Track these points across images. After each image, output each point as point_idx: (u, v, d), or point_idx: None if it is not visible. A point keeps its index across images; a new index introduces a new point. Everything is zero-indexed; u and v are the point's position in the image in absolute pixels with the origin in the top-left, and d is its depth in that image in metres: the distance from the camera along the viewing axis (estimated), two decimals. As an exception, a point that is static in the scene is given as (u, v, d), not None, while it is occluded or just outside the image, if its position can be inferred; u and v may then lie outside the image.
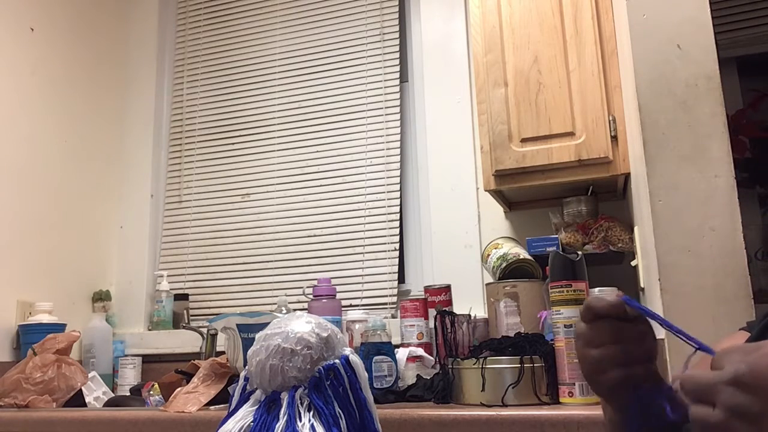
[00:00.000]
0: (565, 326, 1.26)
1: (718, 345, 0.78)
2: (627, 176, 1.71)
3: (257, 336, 1.02)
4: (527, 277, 1.72)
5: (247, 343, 1.40)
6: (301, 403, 0.94)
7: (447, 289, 1.80)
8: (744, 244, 1.17)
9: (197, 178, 2.52)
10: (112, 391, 2.05)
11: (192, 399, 1.44)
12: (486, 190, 1.85)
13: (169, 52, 2.67)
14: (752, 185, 2.48)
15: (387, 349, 1.52)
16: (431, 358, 1.63)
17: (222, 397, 1.45)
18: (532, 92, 1.75)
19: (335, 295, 1.91)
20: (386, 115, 2.30)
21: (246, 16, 2.57)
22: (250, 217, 2.41)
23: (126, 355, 2.22)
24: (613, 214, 1.82)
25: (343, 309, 1.90)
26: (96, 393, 1.89)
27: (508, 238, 1.93)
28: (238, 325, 1.53)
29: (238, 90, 2.52)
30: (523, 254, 1.77)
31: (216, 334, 2.01)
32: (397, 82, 2.32)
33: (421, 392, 1.45)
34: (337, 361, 0.99)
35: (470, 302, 1.88)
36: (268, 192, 2.40)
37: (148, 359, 2.25)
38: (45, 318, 2.05)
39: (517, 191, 1.88)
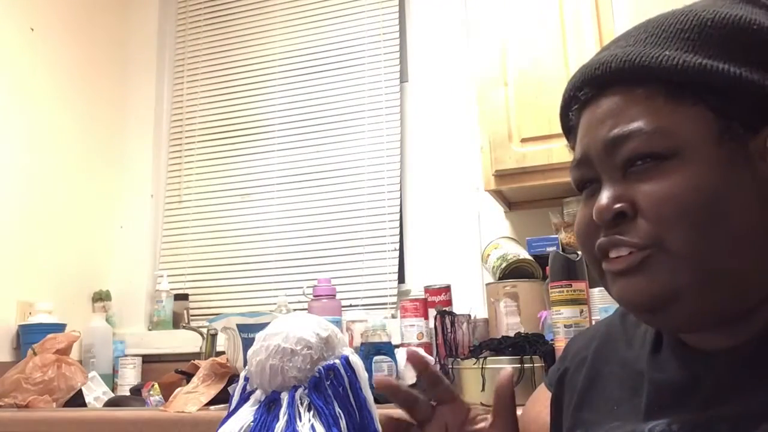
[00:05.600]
0: (565, 326, 1.26)
1: (528, 404, 0.82)
2: (627, 176, 1.71)
3: (257, 336, 1.02)
4: (527, 277, 1.72)
5: (247, 343, 1.40)
6: (301, 403, 0.94)
7: (447, 289, 1.79)
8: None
9: (197, 178, 2.51)
10: (112, 391, 2.05)
11: (192, 399, 1.44)
12: (486, 190, 1.85)
13: (169, 52, 2.67)
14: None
15: (387, 349, 1.52)
16: (431, 358, 1.63)
17: (222, 397, 1.45)
18: (532, 92, 1.75)
19: (335, 295, 1.91)
20: (386, 115, 2.30)
21: (246, 16, 2.57)
22: (250, 217, 2.40)
23: (126, 355, 2.22)
24: (613, 214, 1.82)
25: (343, 309, 1.90)
26: (96, 393, 1.89)
27: (508, 238, 1.93)
28: (238, 325, 1.54)
29: (238, 90, 2.52)
30: (523, 254, 1.77)
31: (216, 334, 2.01)
32: (397, 82, 2.32)
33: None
34: (337, 361, 0.99)
35: (470, 302, 1.88)
36: (268, 192, 2.40)
37: (148, 359, 2.25)
38: (45, 318, 2.05)
39: (517, 191, 1.88)
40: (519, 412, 0.74)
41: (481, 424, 0.69)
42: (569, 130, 0.66)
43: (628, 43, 0.59)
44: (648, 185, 0.54)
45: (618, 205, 0.55)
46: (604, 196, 0.56)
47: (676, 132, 0.54)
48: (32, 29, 2.23)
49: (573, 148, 0.64)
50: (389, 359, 1.51)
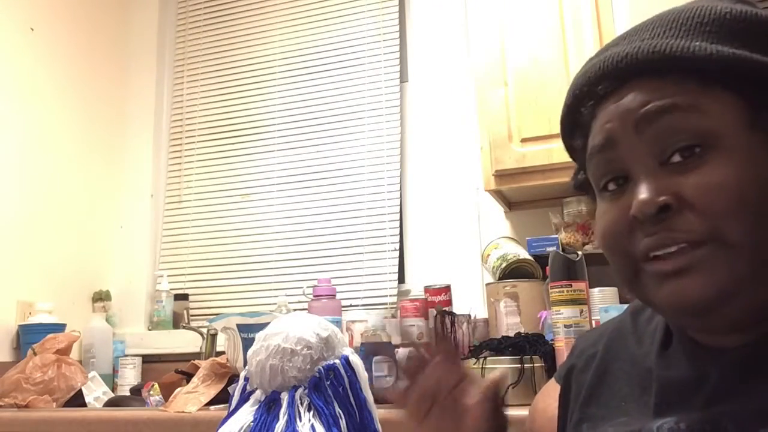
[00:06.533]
0: (565, 326, 1.26)
1: (538, 397, 0.82)
2: (627, 176, 1.71)
3: (257, 336, 1.02)
4: (527, 277, 1.72)
5: (247, 343, 1.40)
6: (301, 403, 0.94)
7: (447, 289, 1.80)
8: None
9: (197, 178, 2.51)
10: (112, 391, 2.05)
11: (192, 399, 1.44)
12: (486, 190, 1.85)
13: (169, 52, 2.67)
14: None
15: (387, 349, 1.52)
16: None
17: (222, 397, 1.45)
18: (532, 92, 1.75)
19: (335, 295, 1.91)
20: (386, 115, 2.30)
21: (246, 16, 2.57)
22: (250, 217, 2.40)
23: (126, 355, 2.22)
24: (613, 214, 1.82)
25: (343, 309, 1.90)
26: (96, 393, 1.89)
27: (508, 238, 1.93)
28: (238, 325, 1.54)
29: (238, 90, 2.52)
30: (523, 254, 1.77)
31: (216, 334, 2.01)
32: (397, 82, 2.32)
33: (421, 392, 1.45)
34: (337, 361, 0.99)
35: (470, 302, 1.88)
36: (268, 192, 2.40)
37: (148, 359, 2.25)
38: (45, 318, 2.05)
39: (517, 191, 1.88)
40: (518, 412, 0.74)
41: (470, 399, 0.69)
42: (575, 126, 0.63)
43: (644, 37, 0.57)
44: (694, 176, 0.51)
45: (662, 198, 0.52)
46: (644, 189, 0.53)
47: (711, 115, 0.52)
48: (32, 29, 2.23)
49: (575, 145, 0.63)
50: (389, 359, 1.51)
